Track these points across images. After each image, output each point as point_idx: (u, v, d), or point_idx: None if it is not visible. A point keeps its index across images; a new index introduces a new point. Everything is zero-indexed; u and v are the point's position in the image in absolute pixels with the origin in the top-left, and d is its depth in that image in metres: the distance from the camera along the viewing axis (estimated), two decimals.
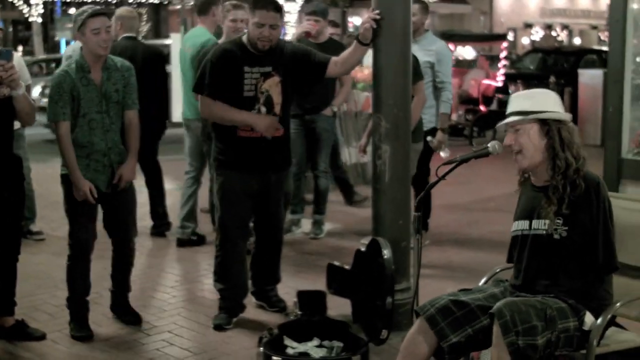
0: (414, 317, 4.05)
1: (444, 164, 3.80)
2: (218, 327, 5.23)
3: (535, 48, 26.52)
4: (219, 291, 5.36)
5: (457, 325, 3.48)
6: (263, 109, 5.05)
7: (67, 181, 4.97)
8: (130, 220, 5.29)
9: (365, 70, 11.55)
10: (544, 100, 3.63)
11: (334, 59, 5.15)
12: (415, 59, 6.33)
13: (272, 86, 5.05)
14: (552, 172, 3.57)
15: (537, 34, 44.35)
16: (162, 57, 7.59)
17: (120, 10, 7.42)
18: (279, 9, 5.04)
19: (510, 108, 3.67)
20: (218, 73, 5.03)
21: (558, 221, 3.51)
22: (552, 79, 15.67)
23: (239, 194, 5.18)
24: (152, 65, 7.13)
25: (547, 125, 3.58)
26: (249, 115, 5.02)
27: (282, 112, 5.11)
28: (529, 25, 44.15)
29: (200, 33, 7.02)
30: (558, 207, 3.51)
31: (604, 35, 43.66)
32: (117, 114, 5.02)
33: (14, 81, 4.56)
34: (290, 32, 19.35)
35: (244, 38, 5.10)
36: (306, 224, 7.75)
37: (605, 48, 20.65)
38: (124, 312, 5.34)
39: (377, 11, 4.88)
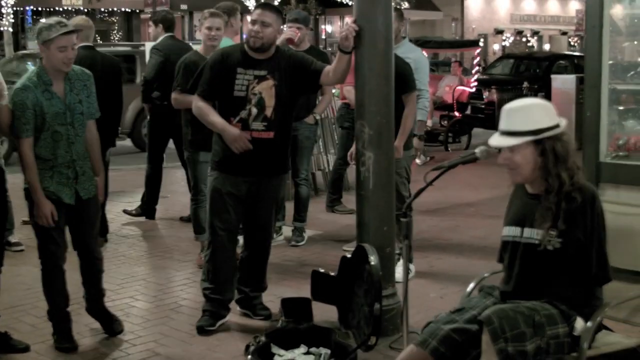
0: (404, 322, 4.08)
1: (432, 170, 3.82)
2: (200, 329, 5.26)
3: (507, 54, 26.74)
4: (205, 291, 5.38)
5: (462, 352, 3.50)
6: (254, 110, 5.09)
7: (30, 195, 4.85)
8: (94, 231, 5.21)
9: None
10: (539, 116, 3.55)
11: (327, 68, 5.20)
12: (409, 70, 6.38)
13: (266, 89, 5.10)
14: (546, 184, 3.56)
15: (508, 39, 44.69)
16: (119, 67, 7.62)
17: (77, 20, 7.43)
18: (274, 10, 5.16)
19: (503, 125, 3.59)
20: (211, 73, 5.17)
21: (552, 233, 3.50)
22: (525, 84, 15.82)
23: (228, 196, 5.22)
24: (110, 74, 7.18)
25: (541, 144, 3.52)
26: (223, 125, 5.09)
27: (274, 115, 5.13)
28: (499, 32, 44.46)
29: (225, 42, 7.13)
30: (553, 219, 3.50)
31: (574, 41, 44.11)
32: (82, 125, 4.94)
33: None
34: None
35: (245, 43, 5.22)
36: (287, 231, 7.76)
37: (576, 53, 20.89)
38: (103, 317, 5.30)
39: (354, 19, 4.94)
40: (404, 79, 6.22)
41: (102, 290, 5.34)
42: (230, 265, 5.39)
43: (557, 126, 3.56)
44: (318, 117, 7.39)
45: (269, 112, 5.12)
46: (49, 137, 4.79)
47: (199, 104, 5.23)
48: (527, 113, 3.58)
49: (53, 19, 4.87)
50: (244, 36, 6.88)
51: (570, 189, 3.50)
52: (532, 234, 3.58)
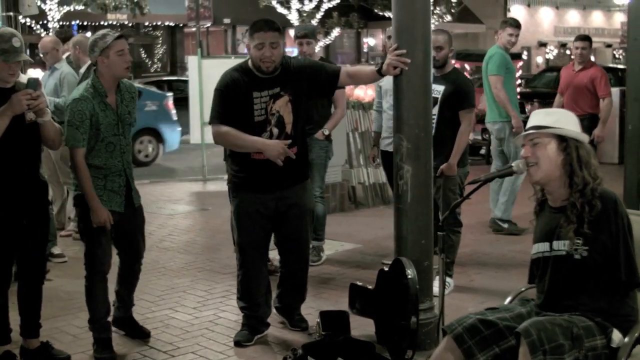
0: (440, 336, 4.06)
1: (468, 183, 3.82)
2: (238, 344, 5.28)
3: (550, 67, 26.50)
4: (241, 309, 5.40)
5: (484, 344, 3.49)
6: (275, 131, 5.07)
7: (81, 202, 5.00)
8: (142, 238, 5.39)
9: (356, 91, 11.61)
10: (565, 120, 3.67)
11: (344, 69, 5.18)
12: (470, 86, 6.34)
13: (282, 106, 5.07)
14: (569, 190, 3.58)
15: (552, 52, 44.35)
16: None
17: (78, 37, 7.61)
18: (276, 28, 5.07)
19: (530, 123, 3.70)
20: (226, 101, 5.05)
21: (578, 241, 3.51)
22: None
23: (255, 215, 5.20)
24: None
25: (565, 141, 3.60)
26: (260, 142, 4.99)
27: (293, 131, 5.12)
28: (543, 44, 44.14)
29: (492, 48, 8.52)
30: (577, 225, 3.51)
31: (619, 54, 43.63)
32: (129, 134, 5.15)
33: (41, 110, 4.67)
34: None
35: (249, 63, 5.11)
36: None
37: (620, 66, 20.65)
38: (130, 327, 5.43)
39: (403, 52, 4.86)
40: (464, 95, 6.20)
41: (133, 300, 5.51)
42: (262, 283, 5.38)
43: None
44: (327, 133, 7.27)
45: (289, 129, 5.09)
46: (103, 147, 4.97)
47: (224, 129, 5.04)
48: (556, 115, 3.71)
49: (100, 32, 5.05)
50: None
51: (591, 197, 3.52)
52: (559, 246, 3.59)
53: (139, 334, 5.41)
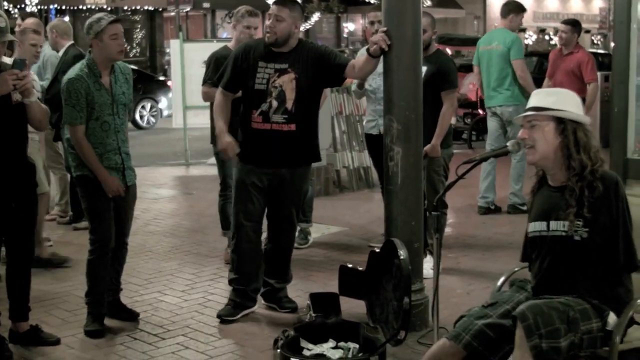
0: (432, 316, 4.08)
1: (463, 163, 3.82)
2: (220, 318, 5.38)
3: (530, 52, 26.57)
4: (231, 282, 5.50)
5: (495, 347, 3.50)
6: (275, 103, 5.19)
7: (83, 181, 5.12)
8: (131, 216, 5.45)
9: None
10: (565, 100, 3.63)
11: (352, 62, 5.25)
12: (452, 66, 6.35)
13: (286, 82, 5.19)
14: (567, 173, 3.57)
15: (531, 38, 44.45)
16: None
17: (55, 21, 7.64)
18: (288, 4, 5.24)
19: (530, 103, 3.68)
20: (234, 65, 5.34)
21: (578, 222, 3.50)
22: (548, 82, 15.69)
23: (252, 187, 5.32)
24: None
25: (562, 124, 3.57)
26: (220, 132, 5.28)
27: (295, 109, 5.20)
28: (522, 30, 44.22)
29: (505, 32, 8.62)
30: (577, 208, 3.50)
31: (597, 39, 43.82)
32: (125, 114, 5.24)
33: (28, 90, 4.65)
34: None
35: None
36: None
37: (600, 51, 20.75)
38: (118, 310, 5.43)
39: (385, 29, 4.94)
40: (446, 76, 6.21)
41: (120, 283, 5.51)
42: (255, 256, 5.46)
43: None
44: None
45: (289, 105, 5.19)
46: (98, 126, 5.05)
47: (217, 101, 5.39)
48: (556, 96, 3.68)
49: (97, 15, 5.14)
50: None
51: (591, 178, 3.50)
52: (558, 226, 3.57)
53: (128, 316, 5.42)
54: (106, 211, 5.14)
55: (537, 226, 3.68)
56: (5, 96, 4.60)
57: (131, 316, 5.43)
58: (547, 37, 45.40)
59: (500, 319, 3.53)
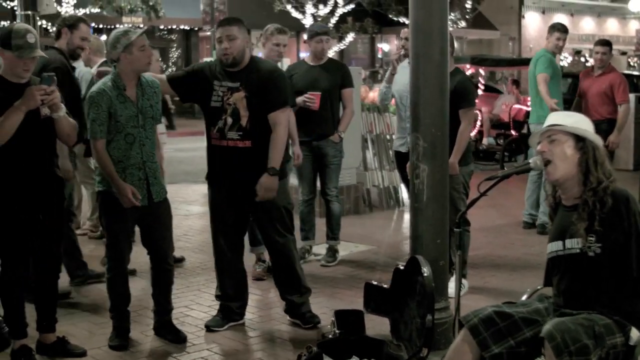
0: (456, 330, 4.07)
1: (485, 180, 3.82)
2: (207, 327, 5.53)
3: (564, 73, 26.45)
4: (216, 297, 5.72)
5: (499, 336, 3.49)
6: (229, 120, 5.33)
7: (103, 196, 5.15)
8: (168, 235, 5.39)
9: (370, 94, 11.58)
10: (582, 122, 3.72)
11: (273, 116, 5.29)
12: (470, 85, 6.37)
13: (239, 100, 5.31)
14: (583, 188, 3.60)
15: (566, 59, 44.22)
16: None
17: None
18: (234, 22, 5.35)
19: (548, 122, 3.74)
20: (191, 74, 5.53)
21: (591, 238, 3.52)
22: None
23: (223, 205, 5.48)
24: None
25: (582, 141, 3.63)
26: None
27: (249, 125, 5.29)
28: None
29: (539, 52, 8.88)
30: (589, 223, 3.53)
31: (634, 61, 43.45)
32: (152, 128, 5.22)
33: (55, 104, 4.72)
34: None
35: None
36: (321, 249, 7.61)
37: (635, 73, 20.56)
38: (167, 331, 5.39)
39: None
40: (463, 94, 6.20)
41: (171, 303, 5.46)
42: (233, 273, 5.60)
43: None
44: (343, 135, 7.26)
45: (244, 121, 5.30)
46: (122, 139, 5.05)
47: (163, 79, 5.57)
48: (572, 116, 3.78)
49: (120, 29, 5.17)
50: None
51: (602, 195, 3.54)
52: (573, 244, 3.60)
53: (173, 339, 5.34)
54: (122, 232, 5.15)
55: (554, 246, 3.71)
56: (34, 111, 4.68)
57: (177, 339, 5.34)
58: (582, 59, 45.11)
59: (512, 311, 3.56)
